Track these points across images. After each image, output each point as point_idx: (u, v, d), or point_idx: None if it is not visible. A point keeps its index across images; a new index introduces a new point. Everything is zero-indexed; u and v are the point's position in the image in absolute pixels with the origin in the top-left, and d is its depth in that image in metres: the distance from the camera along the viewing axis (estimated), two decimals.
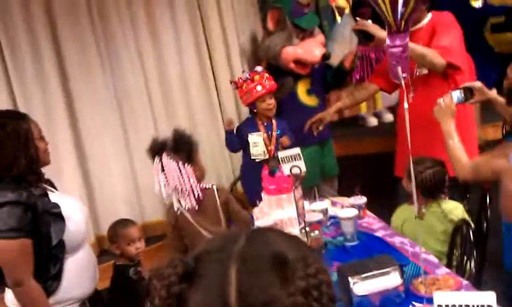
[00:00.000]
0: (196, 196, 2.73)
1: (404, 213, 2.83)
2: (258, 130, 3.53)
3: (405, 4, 1.94)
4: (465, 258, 2.42)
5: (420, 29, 3.22)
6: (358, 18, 4.62)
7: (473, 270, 2.24)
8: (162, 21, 4.16)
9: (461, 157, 2.35)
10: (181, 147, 2.74)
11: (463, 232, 2.45)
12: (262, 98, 3.49)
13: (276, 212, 2.78)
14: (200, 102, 4.36)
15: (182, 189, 2.70)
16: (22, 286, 2.05)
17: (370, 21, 3.36)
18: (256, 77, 3.51)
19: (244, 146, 3.57)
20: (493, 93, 2.57)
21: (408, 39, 2.04)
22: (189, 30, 4.28)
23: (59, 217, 2.13)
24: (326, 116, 3.68)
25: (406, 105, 1.96)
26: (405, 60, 2.06)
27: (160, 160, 2.70)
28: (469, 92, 2.54)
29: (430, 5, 3.27)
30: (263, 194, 2.90)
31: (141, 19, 4.07)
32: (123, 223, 2.95)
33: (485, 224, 2.50)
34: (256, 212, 2.91)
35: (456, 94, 2.51)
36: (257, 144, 3.44)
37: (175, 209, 2.80)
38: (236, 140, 3.57)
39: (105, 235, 3.16)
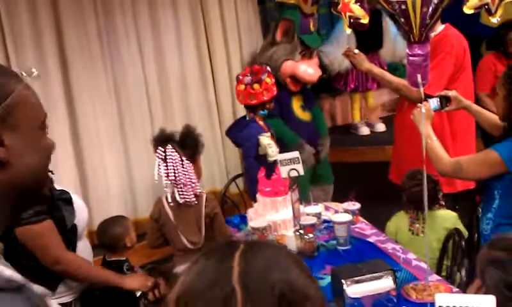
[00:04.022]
0: (195, 192, 2.75)
1: (399, 221, 2.88)
2: (264, 132, 3.55)
3: (432, 16, 2.01)
4: (456, 267, 2.47)
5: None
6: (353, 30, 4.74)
7: (464, 278, 2.29)
8: (164, 19, 4.20)
9: (442, 153, 2.43)
10: (188, 144, 2.77)
11: (455, 240, 2.51)
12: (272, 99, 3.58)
13: (271, 213, 2.82)
14: (197, 100, 4.39)
15: (181, 182, 2.72)
16: (62, 261, 2.12)
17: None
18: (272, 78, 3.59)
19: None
20: (468, 101, 2.68)
21: (429, 48, 2.11)
22: (191, 30, 4.33)
23: (69, 203, 2.17)
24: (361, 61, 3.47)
25: (423, 110, 2.01)
26: (425, 68, 2.13)
27: (164, 150, 2.72)
28: (444, 100, 2.63)
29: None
30: (258, 196, 2.94)
31: (143, 16, 4.10)
32: (121, 217, 2.97)
33: (476, 234, 2.56)
34: (250, 213, 2.95)
35: (433, 102, 2.61)
36: (271, 145, 3.44)
37: (163, 202, 2.83)
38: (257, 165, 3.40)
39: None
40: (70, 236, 2.18)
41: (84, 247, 2.31)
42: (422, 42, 2.11)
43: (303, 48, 3.98)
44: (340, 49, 4.63)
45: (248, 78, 3.53)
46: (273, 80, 3.58)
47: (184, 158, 2.72)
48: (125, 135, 4.08)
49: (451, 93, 2.64)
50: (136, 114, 4.11)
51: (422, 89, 2.17)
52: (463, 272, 2.32)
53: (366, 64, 3.44)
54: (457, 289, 2.12)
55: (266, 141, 3.43)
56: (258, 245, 0.81)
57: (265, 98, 3.53)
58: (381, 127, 5.31)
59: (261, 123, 3.59)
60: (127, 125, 4.08)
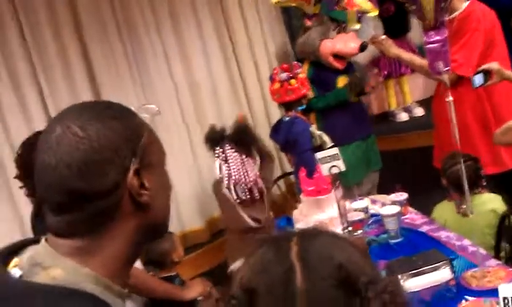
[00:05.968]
0: (258, 188, 2.77)
1: (443, 211, 2.79)
2: (310, 124, 3.50)
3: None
4: None
5: (453, 19, 3.05)
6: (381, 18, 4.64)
7: None
8: (188, 29, 4.19)
9: None
10: (243, 140, 2.77)
11: (510, 222, 2.41)
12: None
13: (316, 213, 2.78)
14: (230, 106, 4.36)
15: (243, 181, 2.73)
16: (131, 275, 2.16)
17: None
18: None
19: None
20: (509, 72, 2.63)
21: (446, 33, 2.03)
22: (215, 37, 4.31)
23: None
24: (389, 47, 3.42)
25: (450, 98, 1.95)
26: (445, 54, 2.05)
27: (223, 150, 2.72)
28: (486, 74, 2.55)
29: None
30: (301, 196, 2.90)
31: (166, 27, 4.10)
32: (167, 233, 2.97)
33: None
34: (296, 214, 2.91)
35: (478, 78, 2.53)
36: (322, 134, 3.34)
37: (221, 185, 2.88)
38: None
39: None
40: None
41: (137, 265, 2.34)
42: (438, 27, 2.04)
43: (336, 25, 3.75)
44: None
45: (283, 75, 3.48)
46: (305, 75, 3.56)
47: (243, 156, 2.72)
48: None
49: (493, 66, 2.56)
50: (170, 126, 4.05)
51: (446, 77, 2.08)
52: None
53: (394, 49, 3.36)
54: None
55: (316, 132, 3.39)
56: (313, 231, 0.84)
57: (303, 92, 3.51)
58: (419, 111, 5.17)
59: (303, 116, 3.56)
60: (163, 139, 4.05)
